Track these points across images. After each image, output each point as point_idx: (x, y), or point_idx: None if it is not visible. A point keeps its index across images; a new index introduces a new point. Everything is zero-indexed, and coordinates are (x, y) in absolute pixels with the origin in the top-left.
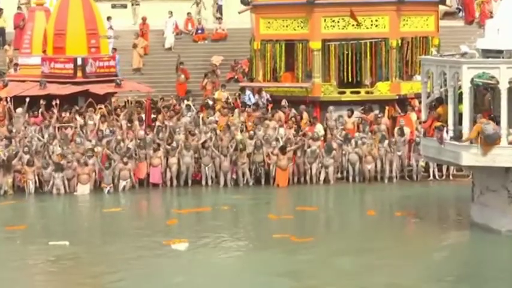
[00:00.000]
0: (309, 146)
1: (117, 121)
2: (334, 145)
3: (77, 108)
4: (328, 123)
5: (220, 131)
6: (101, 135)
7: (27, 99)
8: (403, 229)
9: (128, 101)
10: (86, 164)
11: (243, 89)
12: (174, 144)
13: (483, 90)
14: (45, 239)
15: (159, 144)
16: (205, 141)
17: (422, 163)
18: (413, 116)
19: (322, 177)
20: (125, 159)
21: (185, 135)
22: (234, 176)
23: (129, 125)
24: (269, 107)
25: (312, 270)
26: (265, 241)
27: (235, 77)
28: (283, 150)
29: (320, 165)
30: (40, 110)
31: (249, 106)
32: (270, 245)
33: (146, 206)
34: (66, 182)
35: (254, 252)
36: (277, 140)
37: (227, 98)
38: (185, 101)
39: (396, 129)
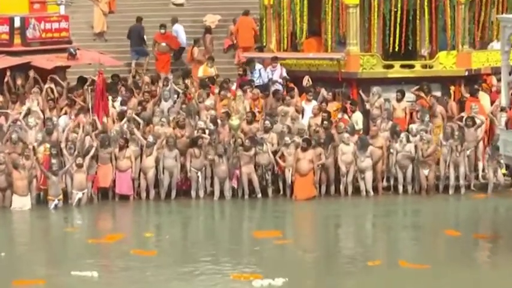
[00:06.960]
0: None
1: (70, 107)
2: (380, 140)
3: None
4: (371, 110)
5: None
6: (50, 125)
7: None
8: (484, 255)
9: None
10: (25, 168)
11: (250, 62)
12: (151, 138)
13: None
14: None
15: (127, 140)
16: (197, 137)
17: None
18: (488, 99)
19: (362, 186)
20: (79, 160)
21: (173, 127)
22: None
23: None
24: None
25: None
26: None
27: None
28: (308, 144)
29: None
30: None
31: (257, 87)
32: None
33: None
34: None
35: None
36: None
37: (216, 76)
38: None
39: (465, 118)
